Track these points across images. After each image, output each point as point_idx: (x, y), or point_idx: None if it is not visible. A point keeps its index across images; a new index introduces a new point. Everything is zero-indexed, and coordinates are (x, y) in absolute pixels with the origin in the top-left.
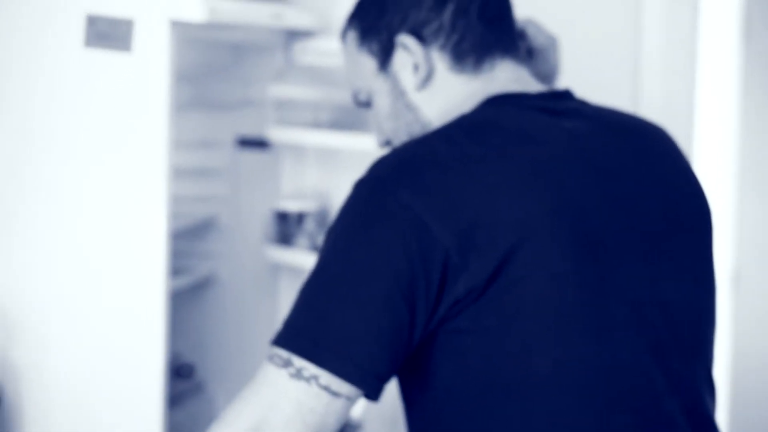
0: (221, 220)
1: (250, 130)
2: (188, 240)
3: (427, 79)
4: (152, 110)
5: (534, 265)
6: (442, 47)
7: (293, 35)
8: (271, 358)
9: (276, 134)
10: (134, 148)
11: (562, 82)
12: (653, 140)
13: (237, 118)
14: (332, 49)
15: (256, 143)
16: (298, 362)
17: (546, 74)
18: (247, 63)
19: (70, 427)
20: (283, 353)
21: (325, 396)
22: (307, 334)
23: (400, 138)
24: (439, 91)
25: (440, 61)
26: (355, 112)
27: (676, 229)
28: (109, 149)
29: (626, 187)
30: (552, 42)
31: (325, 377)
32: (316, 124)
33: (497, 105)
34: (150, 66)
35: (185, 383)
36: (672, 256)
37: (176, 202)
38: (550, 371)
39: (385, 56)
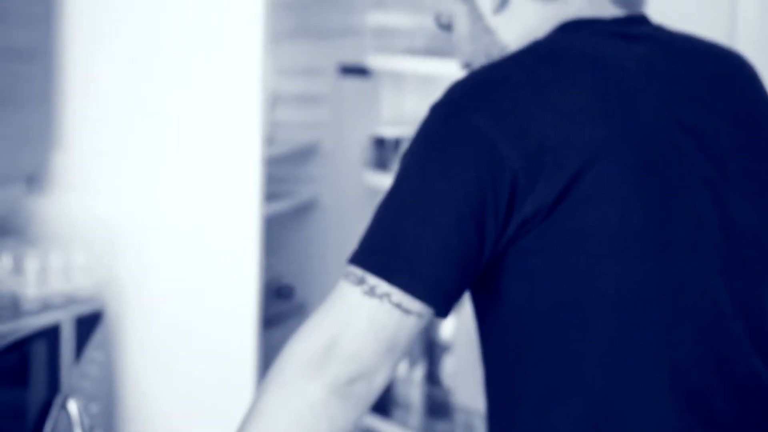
0: (323, 145)
1: (351, 58)
2: (291, 165)
3: (503, 3)
4: (247, 38)
5: (599, 187)
6: None
7: None
8: (346, 276)
9: (375, 61)
10: (229, 77)
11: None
12: (729, 67)
13: (339, 46)
14: None
15: (356, 70)
16: (372, 280)
17: (631, 2)
18: None
19: (169, 343)
20: (358, 271)
21: (396, 313)
22: (380, 252)
23: (480, 61)
24: (515, 15)
25: None
26: (450, 38)
27: (746, 155)
28: (203, 78)
29: (696, 112)
30: None
31: (397, 294)
32: (413, 51)
33: (570, 31)
34: None
35: (286, 303)
36: (741, 181)
37: (280, 127)
38: (614, 290)
39: None
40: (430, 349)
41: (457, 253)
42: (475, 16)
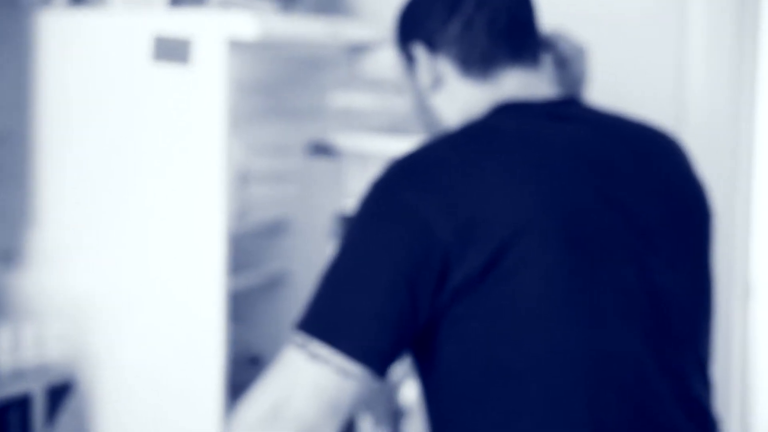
0: (293, 221)
1: (320, 137)
2: (262, 239)
3: (436, 84)
4: (211, 121)
5: (526, 258)
6: (450, 56)
7: (358, 47)
8: (291, 342)
9: (339, 140)
10: (195, 157)
11: (603, 93)
12: (655, 144)
13: (307, 125)
14: (393, 59)
15: (324, 150)
16: (314, 345)
17: (573, 82)
18: (317, 74)
19: (139, 411)
20: (301, 337)
21: (338, 376)
22: (321, 320)
23: (428, 131)
24: (452, 95)
25: (450, 68)
26: (411, 119)
27: (669, 227)
28: (172, 158)
29: (622, 188)
30: (578, 52)
31: (338, 359)
32: (377, 130)
33: (501, 112)
34: (208, 79)
35: (257, 372)
36: (664, 251)
37: (251, 204)
38: (542, 356)
39: (409, 60)
40: (393, 415)
41: (392, 319)
42: (417, 93)
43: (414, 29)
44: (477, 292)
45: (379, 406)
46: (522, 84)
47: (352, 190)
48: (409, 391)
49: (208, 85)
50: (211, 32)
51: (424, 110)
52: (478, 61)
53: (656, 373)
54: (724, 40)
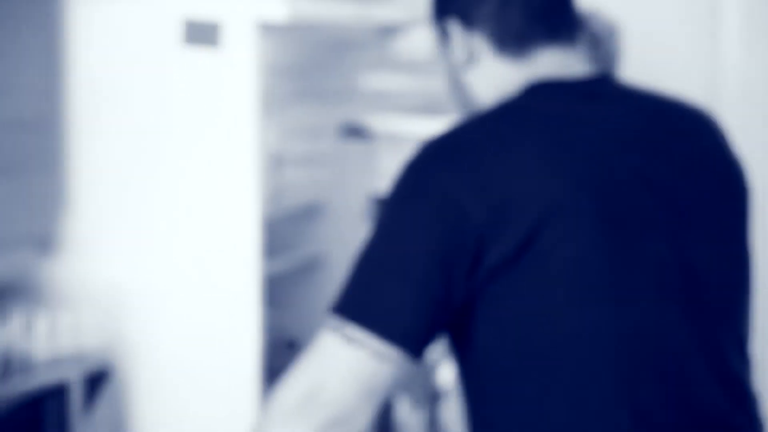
0: (327, 204)
1: (352, 120)
2: (297, 223)
3: (469, 60)
4: (243, 104)
5: (560, 237)
6: (485, 33)
7: (388, 29)
8: (326, 326)
9: (371, 122)
10: (228, 142)
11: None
12: (690, 122)
13: (340, 108)
14: (423, 40)
15: (357, 132)
16: (349, 329)
17: (606, 60)
18: (347, 56)
19: (176, 397)
20: (336, 320)
21: (373, 359)
22: (356, 303)
23: (462, 109)
24: (486, 72)
25: (485, 46)
26: (443, 99)
27: (705, 204)
28: (205, 142)
29: (656, 165)
30: (611, 30)
31: (373, 341)
32: (409, 111)
33: (534, 91)
34: (239, 63)
35: (294, 356)
36: (700, 228)
37: (284, 187)
38: (577, 334)
39: (443, 35)
40: (431, 396)
41: (426, 301)
42: (451, 69)
43: (450, 4)
44: (512, 272)
45: (417, 388)
46: (557, 63)
47: (385, 171)
48: (446, 372)
49: (239, 69)
50: (241, 15)
51: (457, 87)
52: (513, 40)
53: (693, 350)
54: (760, 16)
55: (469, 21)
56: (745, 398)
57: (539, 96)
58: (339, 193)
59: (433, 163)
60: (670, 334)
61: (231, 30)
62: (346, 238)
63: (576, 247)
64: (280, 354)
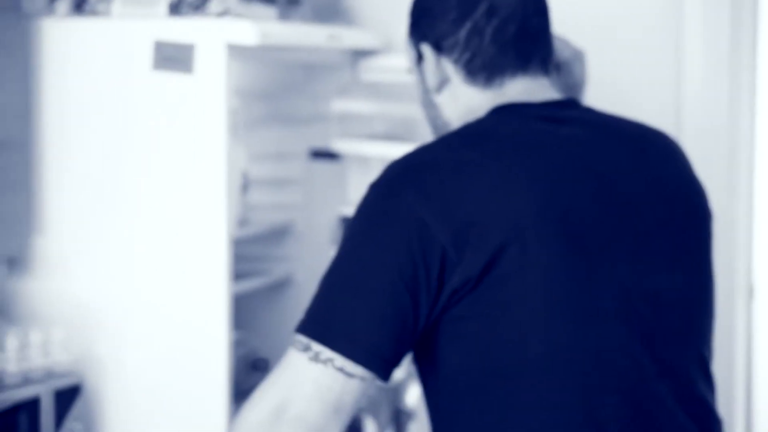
0: (296, 226)
1: (321, 143)
2: (266, 244)
3: (441, 85)
4: (213, 126)
5: (522, 260)
6: (456, 61)
7: (358, 54)
8: (294, 344)
9: (340, 146)
10: (197, 163)
11: (602, 95)
12: (652, 145)
13: (309, 131)
14: (393, 66)
15: (326, 155)
16: (316, 347)
17: (572, 86)
18: (318, 80)
19: (144, 414)
20: (303, 339)
21: (340, 376)
22: (323, 321)
23: (434, 130)
24: (456, 96)
25: (454, 72)
26: (411, 124)
27: (668, 227)
28: (174, 163)
29: (619, 188)
30: (577, 56)
31: (339, 360)
32: (375, 136)
33: (500, 114)
34: (209, 85)
35: (261, 376)
36: (663, 251)
37: (254, 209)
38: (540, 356)
39: (418, 55)
40: (397, 417)
41: (393, 321)
42: (424, 88)
43: (424, 29)
44: (475, 294)
45: (383, 408)
46: (525, 89)
47: (354, 194)
48: (412, 393)
49: (209, 91)
50: (211, 39)
51: (430, 108)
52: (482, 69)
53: (656, 374)
54: (722, 42)
55: (439, 48)
56: (711, 421)
57: (503, 118)
58: (308, 215)
59: (398, 183)
60: (632, 358)
61: (201, 52)
62: (314, 259)
63: (539, 270)
64: (247, 374)
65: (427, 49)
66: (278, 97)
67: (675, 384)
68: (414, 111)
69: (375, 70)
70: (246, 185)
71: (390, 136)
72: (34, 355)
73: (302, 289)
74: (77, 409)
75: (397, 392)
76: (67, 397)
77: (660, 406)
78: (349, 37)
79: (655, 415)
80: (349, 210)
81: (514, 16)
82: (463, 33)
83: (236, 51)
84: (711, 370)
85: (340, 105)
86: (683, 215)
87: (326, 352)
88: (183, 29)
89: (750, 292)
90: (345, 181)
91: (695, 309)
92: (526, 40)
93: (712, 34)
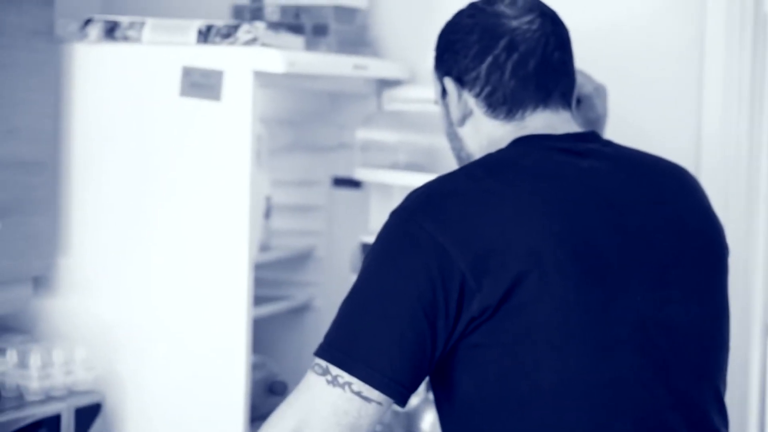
0: (317, 252)
1: (344, 171)
2: (287, 270)
3: (464, 118)
4: (238, 151)
5: (540, 289)
6: (478, 95)
7: (383, 84)
8: (312, 367)
9: (362, 174)
10: (222, 188)
11: (622, 130)
12: (670, 179)
13: (332, 159)
14: (417, 96)
15: (349, 182)
16: (334, 370)
17: (593, 120)
18: (343, 109)
19: None
20: (322, 362)
21: (357, 400)
22: (342, 346)
23: (458, 160)
24: (478, 129)
25: (476, 105)
26: (434, 154)
27: (685, 260)
28: (199, 188)
29: (637, 220)
30: (599, 90)
31: (357, 384)
32: (398, 166)
33: (520, 145)
34: (236, 111)
35: (278, 399)
36: (679, 283)
37: (277, 235)
38: (555, 384)
39: (442, 89)
40: None
41: (411, 347)
42: (448, 120)
43: (448, 64)
44: (493, 321)
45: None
46: (546, 123)
47: (375, 223)
48: (428, 419)
49: (235, 118)
50: (239, 66)
51: (454, 139)
52: (503, 103)
53: (670, 405)
54: (743, 80)
55: (462, 82)
56: None
57: (523, 150)
58: (329, 241)
59: (419, 211)
60: (646, 387)
61: (229, 79)
62: (335, 285)
63: (555, 300)
64: (266, 398)
65: (450, 84)
66: (303, 124)
67: (689, 415)
68: (437, 141)
69: (399, 100)
70: (269, 211)
71: (413, 166)
72: (56, 373)
73: (322, 314)
74: (97, 426)
75: (412, 418)
76: (88, 414)
77: None
78: (375, 67)
79: None
80: (370, 238)
81: (535, 50)
82: (483, 67)
83: (263, 78)
84: (725, 403)
85: (364, 134)
86: (700, 249)
87: (344, 376)
88: (211, 56)
89: (766, 329)
90: (367, 209)
91: (710, 341)
92: (547, 74)
93: (733, 71)
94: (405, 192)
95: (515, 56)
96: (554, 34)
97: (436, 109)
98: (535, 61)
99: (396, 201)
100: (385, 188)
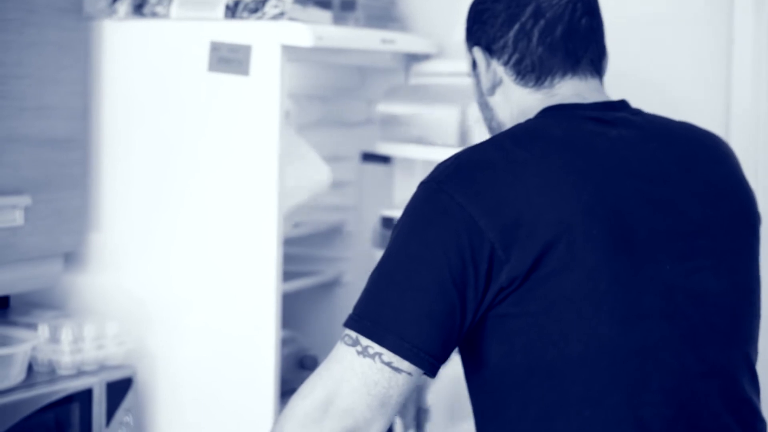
0: (346, 227)
1: (373, 146)
2: (316, 245)
3: (494, 87)
4: (267, 126)
5: (569, 258)
6: (506, 63)
7: (411, 58)
8: (342, 338)
9: (384, 148)
10: (250, 161)
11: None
12: (701, 147)
13: (361, 134)
14: (444, 69)
15: (377, 157)
16: (364, 341)
17: None
18: (371, 84)
19: (194, 408)
20: (352, 333)
21: (387, 371)
22: (371, 316)
23: (489, 130)
24: (508, 98)
25: (505, 74)
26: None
27: (715, 229)
28: (229, 163)
29: (667, 189)
30: None
31: (387, 354)
32: (421, 140)
33: (549, 115)
34: (264, 86)
35: (308, 374)
36: (709, 252)
37: (307, 211)
38: (583, 353)
39: (473, 60)
40: (418, 415)
41: (440, 317)
42: (479, 91)
43: (477, 34)
44: (521, 291)
45: (410, 408)
46: (575, 91)
47: (400, 197)
48: (432, 391)
49: (264, 92)
50: (266, 40)
51: (485, 109)
52: (531, 70)
53: (700, 373)
54: None
55: (490, 51)
56: (755, 421)
57: (553, 119)
58: (358, 216)
59: (448, 181)
60: (676, 356)
61: (256, 54)
62: (363, 260)
63: (585, 269)
64: (294, 372)
65: (479, 53)
66: (331, 100)
67: (720, 384)
68: (462, 114)
69: (427, 74)
70: None
71: (424, 140)
72: (88, 348)
73: (351, 289)
74: (128, 400)
75: (420, 391)
76: (119, 389)
77: (704, 405)
78: (403, 41)
79: (699, 414)
80: (393, 212)
81: (562, 17)
82: (511, 35)
83: (291, 52)
84: (756, 371)
85: (392, 108)
86: (731, 217)
87: (374, 347)
88: (239, 31)
89: None
90: (395, 183)
91: (741, 309)
92: (575, 41)
93: (763, 37)
94: (429, 166)
95: (542, 23)
96: (581, 1)
97: (458, 82)
98: (562, 28)
99: (419, 175)
100: (408, 162)
